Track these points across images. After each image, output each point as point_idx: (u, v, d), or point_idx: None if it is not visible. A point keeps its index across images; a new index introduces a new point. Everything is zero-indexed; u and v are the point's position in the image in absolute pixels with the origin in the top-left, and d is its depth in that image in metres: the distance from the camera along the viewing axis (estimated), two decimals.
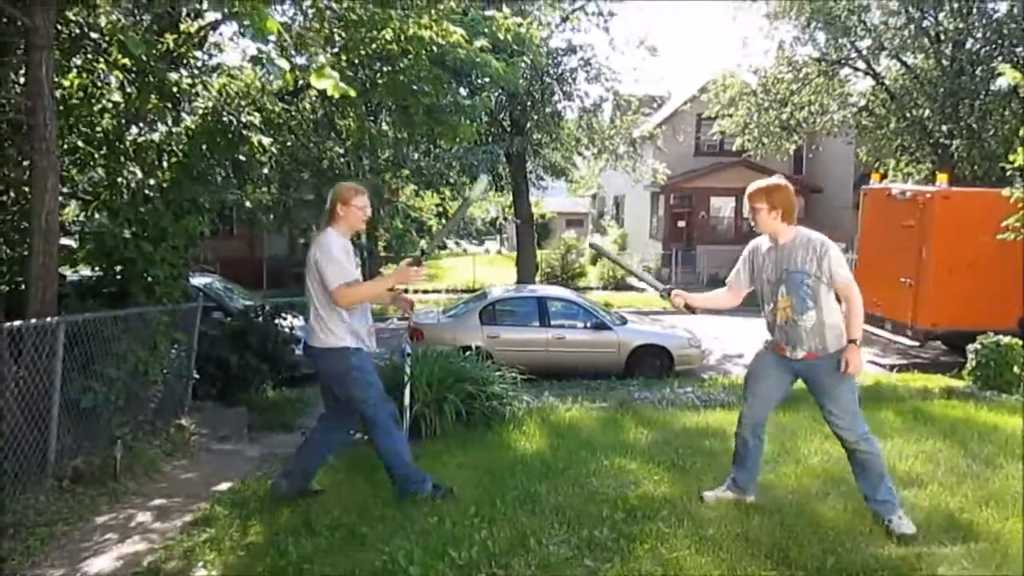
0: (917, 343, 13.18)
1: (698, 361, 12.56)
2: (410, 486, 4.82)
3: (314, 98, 11.62)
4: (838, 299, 4.37)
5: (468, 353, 8.39)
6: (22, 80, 7.29)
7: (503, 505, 4.65)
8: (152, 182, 7.45)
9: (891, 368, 12.89)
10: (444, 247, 22.93)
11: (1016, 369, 9.97)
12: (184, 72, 8.58)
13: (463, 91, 12.75)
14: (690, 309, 4.87)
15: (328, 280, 4.53)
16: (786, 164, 28.15)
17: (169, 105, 8.26)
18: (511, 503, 4.70)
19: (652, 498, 4.74)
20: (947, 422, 7.10)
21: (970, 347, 10.58)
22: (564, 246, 29.07)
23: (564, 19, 20.11)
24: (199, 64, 9.54)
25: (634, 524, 4.29)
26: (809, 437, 6.29)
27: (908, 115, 20.11)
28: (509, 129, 21.37)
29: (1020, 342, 10.20)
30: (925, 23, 19.84)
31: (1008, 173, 11.36)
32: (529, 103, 20.46)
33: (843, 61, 21.75)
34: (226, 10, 3.62)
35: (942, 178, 13.35)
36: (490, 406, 7.16)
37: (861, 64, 21.62)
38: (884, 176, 18.81)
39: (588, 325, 12.28)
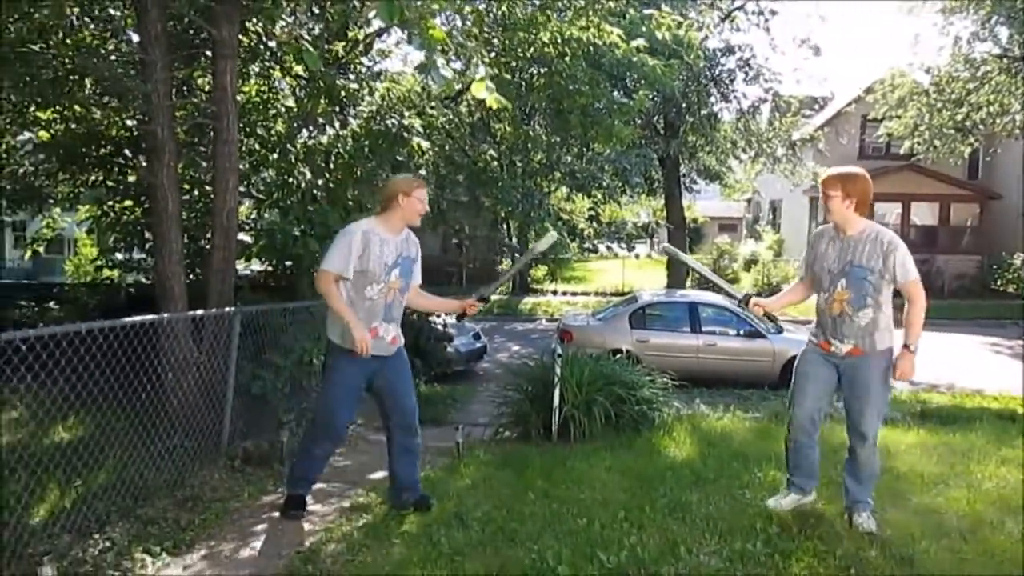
0: None
1: None
2: (290, 486, 4.82)
3: (471, 102, 11.91)
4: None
5: (618, 356, 8.35)
6: (207, 87, 7.86)
7: (652, 511, 4.61)
8: (320, 183, 7.85)
9: None
10: (595, 250, 22.93)
11: None
12: (351, 77, 8.99)
13: (618, 93, 12.73)
14: (770, 317, 4.83)
15: (323, 261, 4.45)
16: (960, 168, 26.41)
17: (337, 109, 8.68)
18: (660, 510, 4.64)
19: (808, 514, 4.56)
20: None
21: None
22: (716, 251, 28.44)
23: (724, 19, 19.67)
24: (365, 70, 9.97)
25: (789, 540, 4.15)
26: (983, 460, 5.88)
27: None
28: (663, 132, 21.16)
29: None
30: None
31: None
32: (684, 105, 20.18)
33: None
34: (395, 20, 3.75)
35: None
36: (639, 411, 7.09)
37: None
38: None
39: (741, 332, 11.97)
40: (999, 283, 24.73)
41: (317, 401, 4.77)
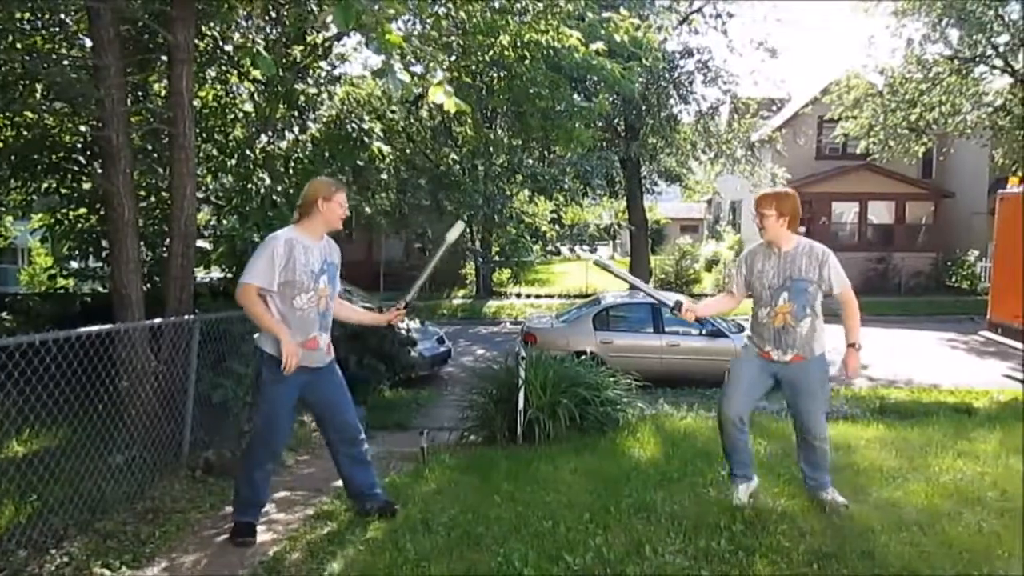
0: None
1: None
2: (237, 513, 4.56)
3: (432, 106, 11.89)
4: None
5: (582, 358, 8.38)
6: (163, 92, 7.75)
7: (617, 512, 4.62)
8: (279, 188, 7.78)
9: None
10: (558, 252, 23.00)
11: None
12: (310, 82, 8.93)
13: (579, 96, 12.78)
14: (700, 321, 5.04)
15: (244, 273, 4.28)
16: (915, 167, 26.92)
17: (296, 114, 8.61)
18: (626, 510, 4.66)
19: (771, 511, 4.61)
20: None
21: None
22: (678, 252, 28.67)
23: (682, 21, 19.86)
24: (324, 74, 9.91)
25: (753, 537, 4.18)
26: (940, 454, 5.98)
27: None
28: (624, 134, 21.31)
29: None
30: None
31: None
32: (644, 107, 20.33)
33: (978, 59, 20.61)
34: (352, 25, 3.72)
35: None
36: (604, 412, 7.12)
37: (998, 61, 20.43)
38: (1023, 180, 17.72)
39: (704, 332, 12.05)
40: (953, 279, 25.25)
41: (255, 420, 4.58)
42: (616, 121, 21.07)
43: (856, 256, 25.81)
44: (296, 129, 8.59)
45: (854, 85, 22.17)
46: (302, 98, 8.39)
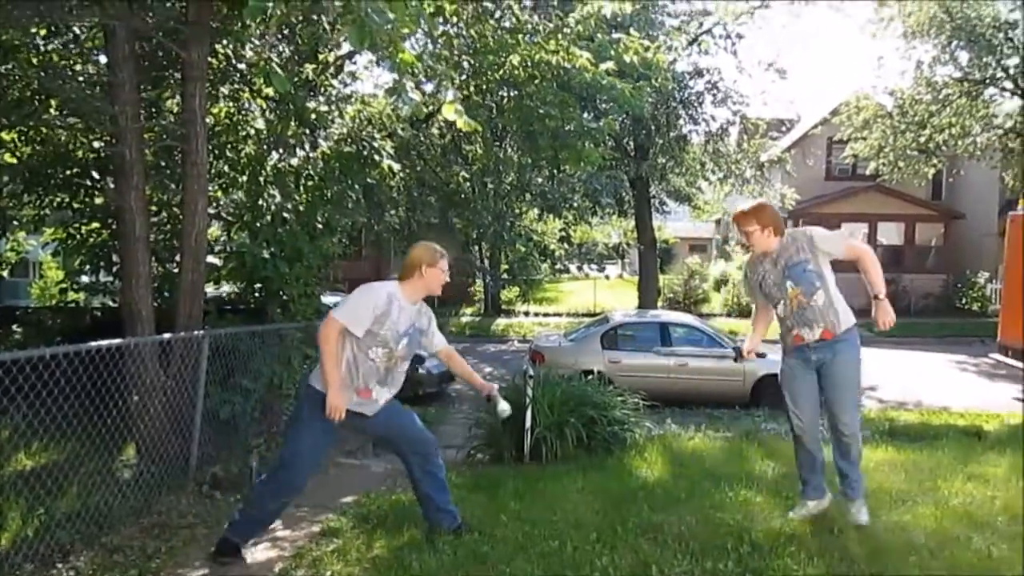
0: None
1: None
2: (230, 529, 4.51)
3: (443, 124, 11.94)
4: None
5: (589, 377, 8.37)
6: (175, 109, 7.82)
7: (624, 532, 4.60)
8: (290, 205, 7.82)
9: None
10: (566, 270, 23.02)
11: None
12: (321, 100, 8.99)
13: (588, 115, 12.84)
14: (760, 354, 5.13)
15: (338, 308, 4.32)
16: (924, 189, 26.86)
17: (307, 132, 8.67)
18: (632, 530, 4.64)
19: (779, 533, 4.58)
20: None
21: None
22: (687, 271, 28.64)
23: (691, 42, 19.92)
24: (335, 92, 9.98)
25: (760, 559, 4.16)
26: (950, 477, 5.94)
27: None
28: (633, 154, 21.33)
29: None
30: None
31: None
32: (654, 127, 20.36)
33: (988, 81, 20.61)
34: (366, 44, 3.76)
35: None
36: (611, 431, 7.11)
37: (1008, 83, 20.44)
38: None
39: (713, 353, 12.02)
40: (964, 302, 25.14)
41: (283, 450, 4.56)
42: (625, 140, 21.10)
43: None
44: (307, 146, 8.64)
45: (863, 106, 22.19)
46: (313, 115, 8.44)
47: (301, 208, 7.89)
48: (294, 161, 8.33)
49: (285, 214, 7.65)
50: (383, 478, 6.82)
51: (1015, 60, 19.70)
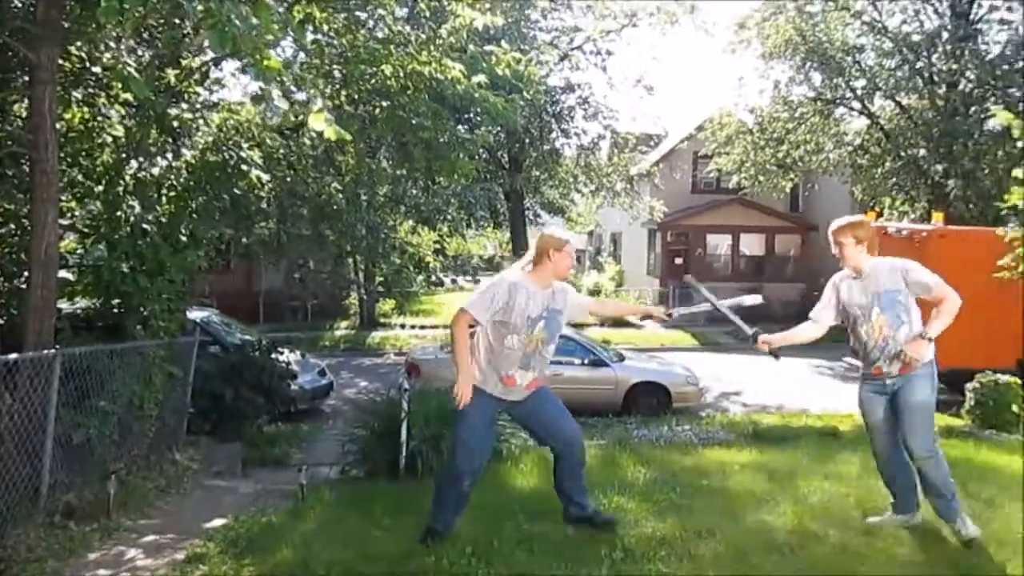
0: None
1: (695, 399, 12.49)
2: (433, 520, 4.73)
3: (315, 134, 11.69)
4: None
5: None
6: (23, 113, 7.35)
7: (500, 544, 4.59)
8: (151, 216, 7.47)
9: None
10: (441, 283, 22.98)
11: (1015, 408, 9.93)
12: (184, 107, 8.64)
13: (462, 127, 12.85)
14: (774, 354, 5.07)
15: (467, 301, 4.59)
16: (783, 202, 28.29)
17: (169, 140, 8.31)
18: (508, 542, 4.63)
19: (651, 538, 4.68)
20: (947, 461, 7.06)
21: (969, 386, 10.55)
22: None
23: (563, 58, 20.33)
24: (200, 99, 9.60)
25: (632, 564, 4.24)
26: (808, 476, 6.24)
27: (903, 154, 20.24)
28: (507, 166, 21.56)
29: (1019, 381, 10.17)
30: (919, 64, 20.06)
31: (1003, 213, 11.39)
32: (527, 140, 20.67)
33: (838, 101, 21.96)
34: (228, 49, 3.63)
35: (938, 217, 13.41)
36: None
37: (856, 104, 21.83)
38: (880, 215, 18.87)
39: (585, 362, 12.21)
40: None
41: (453, 441, 4.89)
42: (500, 153, 21.32)
43: (730, 286, 26.72)
44: (169, 155, 8.28)
45: (726, 123, 23.21)
46: (176, 123, 8.10)
47: (163, 219, 7.55)
48: (155, 170, 7.97)
49: (146, 225, 7.29)
50: (253, 498, 6.60)
51: (862, 82, 21.05)
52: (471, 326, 4.54)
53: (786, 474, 6.37)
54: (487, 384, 4.52)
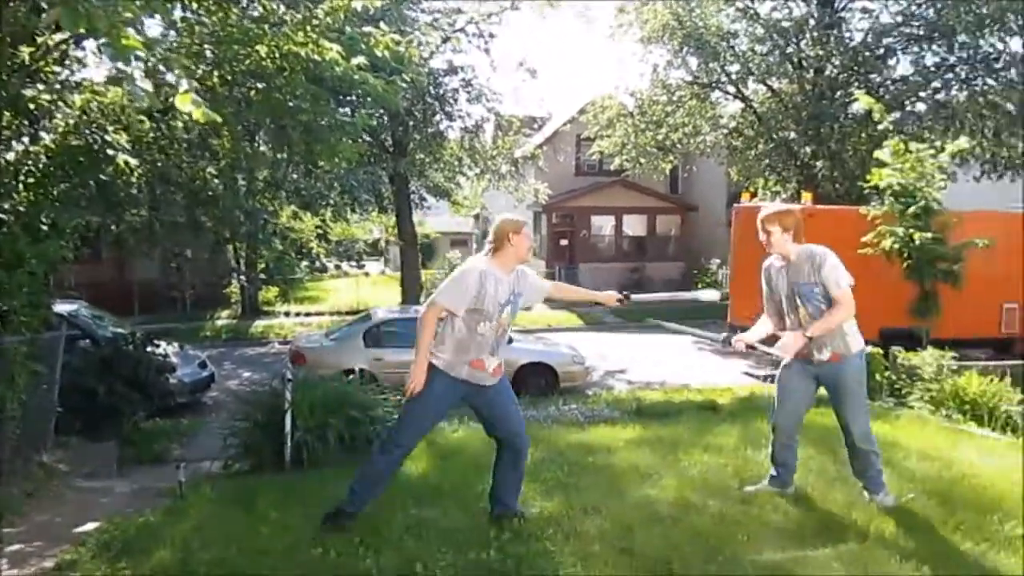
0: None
1: (582, 378, 12.70)
2: (349, 503, 4.71)
3: (187, 117, 11.21)
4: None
5: (352, 376, 8.23)
6: None
7: (389, 532, 4.56)
8: (7, 205, 7.01)
9: (764, 379, 13.38)
10: (325, 269, 22.55)
11: (878, 377, 10.50)
12: (42, 87, 8.13)
13: (343, 110, 12.58)
14: (751, 347, 5.30)
15: (436, 292, 4.70)
16: (663, 183, 29.07)
17: (26, 123, 7.81)
18: (398, 529, 4.60)
19: (539, 517, 4.74)
20: (817, 430, 7.37)
21: None
22: (448, 266, 29.04)
23: (445, 40, 20.15)
24: (60, 79, 9.05)
25: (521, 544, 4.28)
26: (689, 450, 6.44)
27: (775, 137, 21.07)
28: (391, 150, 21.27)
29: (881, 351, 10.76)
30: (788, 50, 20.88)
31: (866, 192, 11.99)
32: (411, 123, 20.44)
33: (714, 85, 22.63)
34: (82, 28, 3.40)
35: (807, 197, 13.99)
36: (374, 431, 7.00)
37: (731, 88, 22.53)
38: (754, 195, 19.59)
39: None
40: (699, 286, 27.45)
41: (400, 415, 4.94)
42: (383, 136, 20.99)
43: (613, 266, 27.44)
44: (26, 139, 7.78)
45: (608, 106, 23.58)
46: (32, 105, 7.62)
47: (21, 208, 7.10)
48: (10, 156, 7.47)
49: (2, 215, 6.85)
50: (130, 499, 6.33)
51: (736, 67, 21.74)
52: (440, 318, 4.65)
53: (668, 448, 6.55)
54: (453, 369, 4.60)
